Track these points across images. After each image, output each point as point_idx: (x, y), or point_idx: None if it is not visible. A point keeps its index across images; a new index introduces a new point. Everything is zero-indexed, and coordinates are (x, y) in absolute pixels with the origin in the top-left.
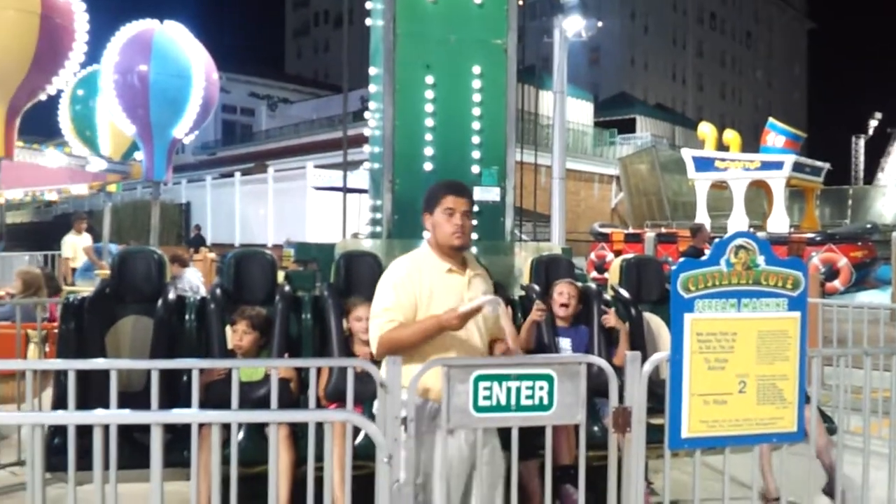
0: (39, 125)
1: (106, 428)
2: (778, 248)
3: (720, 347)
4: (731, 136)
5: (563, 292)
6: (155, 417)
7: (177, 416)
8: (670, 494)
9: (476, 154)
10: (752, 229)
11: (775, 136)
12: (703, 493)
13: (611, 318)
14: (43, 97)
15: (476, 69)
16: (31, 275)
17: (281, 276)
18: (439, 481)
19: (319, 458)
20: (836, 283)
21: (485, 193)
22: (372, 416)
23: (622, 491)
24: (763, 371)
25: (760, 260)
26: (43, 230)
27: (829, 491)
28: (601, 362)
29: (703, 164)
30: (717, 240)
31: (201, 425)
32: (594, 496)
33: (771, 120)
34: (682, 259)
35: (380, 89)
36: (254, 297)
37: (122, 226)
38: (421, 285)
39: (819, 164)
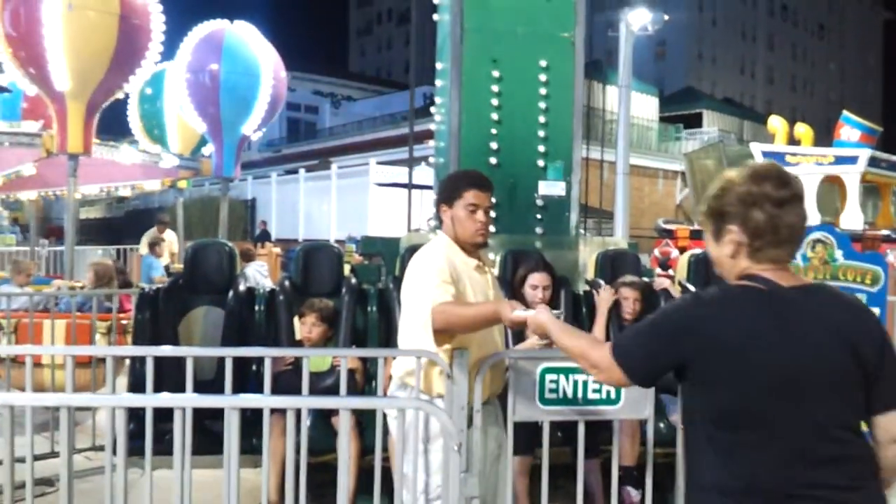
0: (110, 124)
1: (182, 413)
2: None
3: None
4: (803, 131)
5: (627, 297)
6: (230, 402)
7: (249, 401)
8: None
9: (542, 148)
10: None
11: (850, 129)
12: None
13: (665, 281)
14: (120, 95)
15: (543, 63)
16: (104, 266)
17: (346, 269)
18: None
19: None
20: None
21: (550, 188)
22: None
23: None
24: None
25: (838, 254)
26: (115, 226)
27: None
28: None
29: (774, 159)
30: None
31: (271, 413)
32: (656, 496)
33: (845, 113)
34: None
35: (446, 84)
36: (321, 290)
37: (190, 221)
38: (457, 276)
39: None
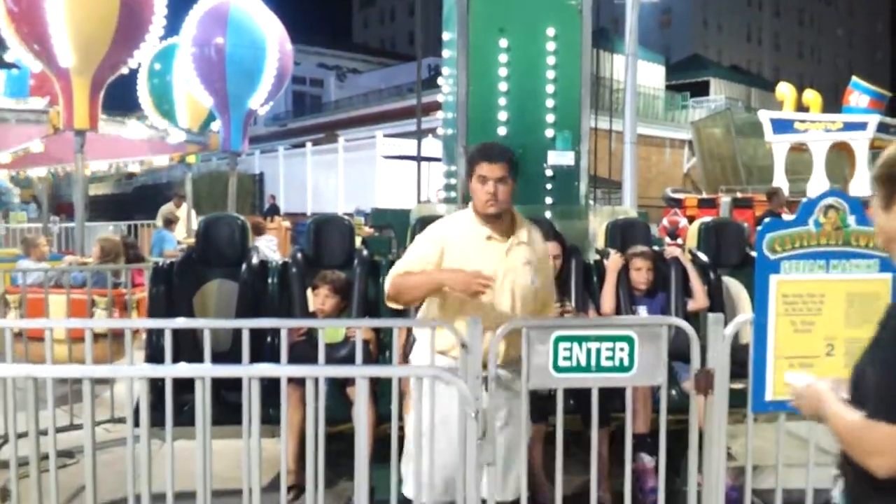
0: (119, 100)
1: (202, 383)
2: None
3: (807, 310)
4: (812, 97)
5: (640, 268)
6: (248, 371)
7: (266, 370)
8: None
9: (550, 118)
10: None
11: (858, 95)
12: (783, 459)
13: (675, 250)
14: (125, 70)
15: (550, 31)
16: (111, 242)
17: (357, 241)
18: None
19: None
20: None
21: (559, 158)
22: None
23: (703, 455)
24: (852, 334)
25: (851, 220)
26: (125, 201)
27: None
28: (683, 324)
29: (782, 127)
30: (800, 202)
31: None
32: (669, 463)
33: (854, 79)
34: (768, 219)
35: (453, 54)
36: (333, 262)
37: (199, 196)
38: (453, 248)
39: None
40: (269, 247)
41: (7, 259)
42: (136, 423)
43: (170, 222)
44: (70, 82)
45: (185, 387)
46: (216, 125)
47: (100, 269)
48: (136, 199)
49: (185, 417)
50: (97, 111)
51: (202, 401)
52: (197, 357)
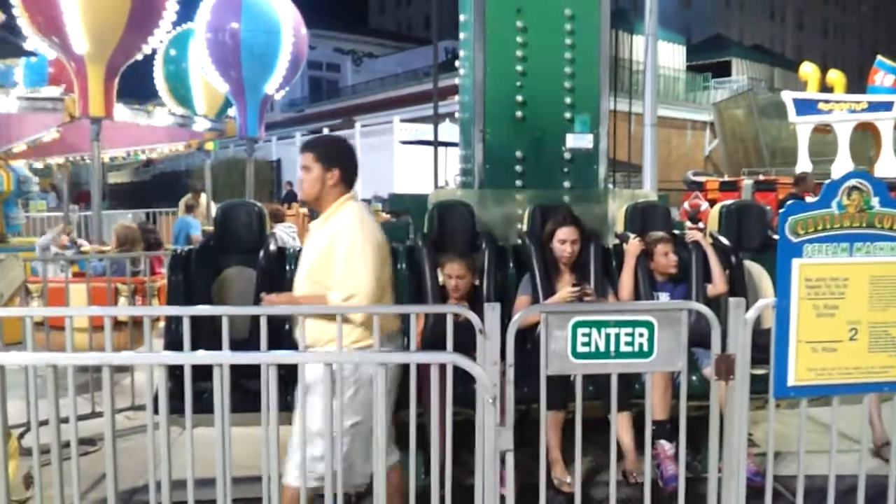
0: (134, 87)
1: (220, 370)
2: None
3: (830, 293)
4: (836, 77)
5: (664, 253)
6: (266, 358)
7: (285, 357)
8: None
9: (568, 100)
10: None
11: (884, 74)
12: (805, 446)
13: (696, 234)
14: (139, 56)
15: (568, 12)
16: (128, 230)
17: None
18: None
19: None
20: None
21: (577, 140)
22: None
23: (724, 442)
24: (876, 318)
25: (875, 202)
26: (143, 189)
27: None
28: (703, 309)
29: (806, 107)
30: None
31: None
32: (689, 450)
33: (879, 58)
34: (790, 201)
35: (469, 36)
36: None
37: (216, 183)
38: None
39: None
40: (289, 234)
41: (28, 248)
42: (156, 411)
43: (191, 208)
44: (85, 69)
45: (204, 374)
46: (232, 111)
47: (118, 257)
48: (154, 187)
49: (204, 405)
50: (112, 98)
51: (220, 388)
52: (216, 345)
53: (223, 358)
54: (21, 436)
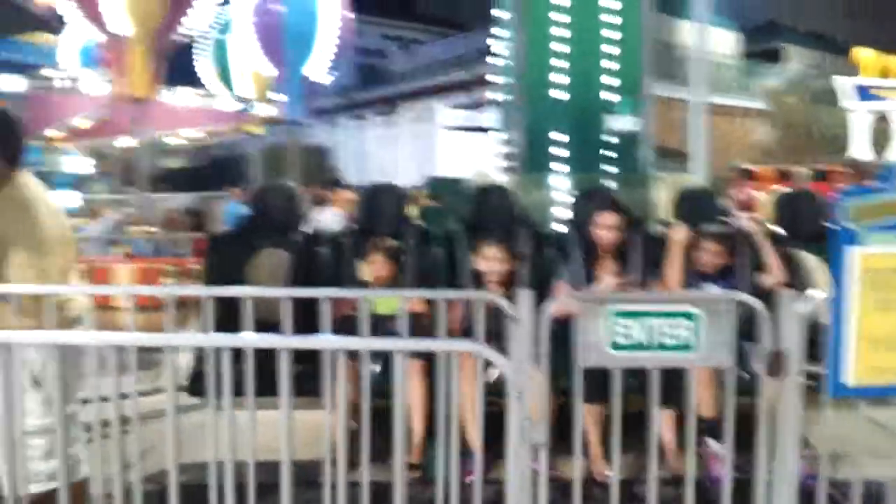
0: (179, 72)
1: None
2: None
3: (892, 286)
4: (891, 63)
5: (709, 250)
6: (283, 342)
7: (304, 342)
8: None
9: (610, 81)
10: None
11: None
12: (863, 449)
13: (749, 222)
14: (184, 38)
15: None
16: (173, 213)
17: (416, 212)
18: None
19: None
20: None
21: (620, 123)
22: None
23: (776, 443)
24: None
25: None
26: (200, 174)
27: None
28: (752, 300)
29: (861, 95)
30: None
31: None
32: (738, 449)
33: None
34: (850, 186)
35: (511, 17)
36: (386, 231)
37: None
38: None
39: None
40: (337, 220)
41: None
42: (193, 392)
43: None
44: (130, 51)
45: (236, 357)
46: (278, 96)
47: (162, 238)
48: (211, 172)
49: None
50: (157, 80)
51: (248, 371)
52: (248, 327)
53: (239, 341)
54: None
